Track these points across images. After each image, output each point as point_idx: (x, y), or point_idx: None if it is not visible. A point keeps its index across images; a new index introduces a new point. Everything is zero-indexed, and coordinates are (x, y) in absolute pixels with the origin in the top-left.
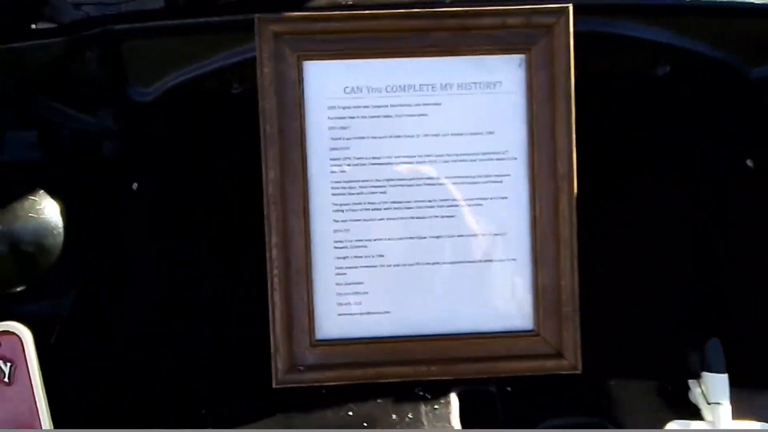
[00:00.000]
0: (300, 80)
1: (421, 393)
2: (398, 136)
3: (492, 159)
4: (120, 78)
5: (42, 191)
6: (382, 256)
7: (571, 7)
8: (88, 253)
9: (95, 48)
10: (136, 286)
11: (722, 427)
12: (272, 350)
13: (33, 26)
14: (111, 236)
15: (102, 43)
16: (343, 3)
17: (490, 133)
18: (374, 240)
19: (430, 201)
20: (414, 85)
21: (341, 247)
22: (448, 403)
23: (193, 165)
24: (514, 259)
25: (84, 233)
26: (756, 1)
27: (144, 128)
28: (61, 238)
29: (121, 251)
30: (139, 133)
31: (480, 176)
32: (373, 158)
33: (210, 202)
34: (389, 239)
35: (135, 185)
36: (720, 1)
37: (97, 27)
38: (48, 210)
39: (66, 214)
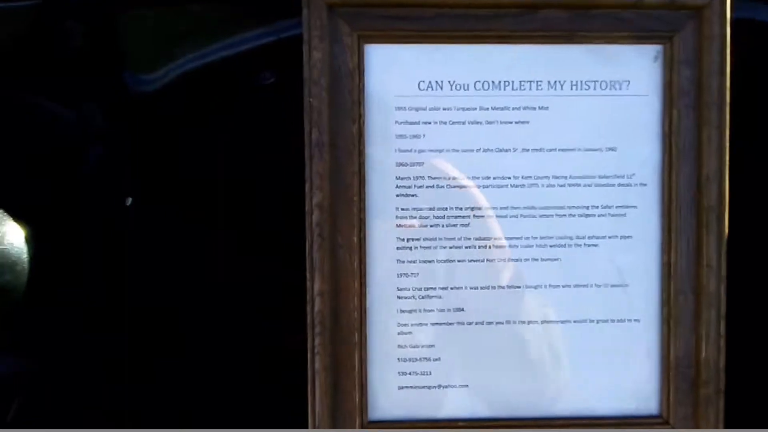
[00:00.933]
0: (360, 70)
1: None
2: (489, 150)
3: (613, 185)
4: (114, 59)
5: (1, 211)
6: (461, 310)
7: None
8: (62, 294)
9: (80, 16)
10: (128, 339)
11: None
12: None
13: None
14: (95, 270)
15: (90, 10)
16: None
17: (612, 149)
18: (451, 289)
19: (527, 239)
20: (512, 82)
21: (407, 297)
22: None
23: (209, 180)
24: (637, 320)
25: (57, 267)
26: None
27: (144, 128)
28: (25, 276)
29: (109, 291)
30: (138, 133)
31: (596, 207)
32: (454, 179)
33: (232, 231)
34: (471, 288)
35: (129, 201)
36: None
37: None
38: (9, 237)
39: (33, 242)
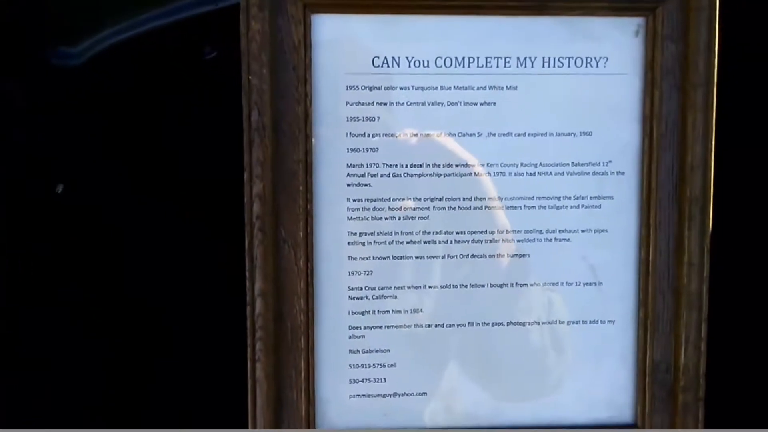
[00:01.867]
0: (306, 44)
1: None
2: (451, 135)
3: (588, 173)
4: (37, 31)
5: None
6: (419, 311)
7: None
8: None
9: None
10: (56, 339)
11: None
12: None
13: None
14: (22, 264)
15: None
16: None
17: (587, 134)
18: (408, 288)
19: (492, 233)
20: (478, 59)
21: (359, 298)
22: None
23: (141, 164)
24: (612, 322)
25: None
26: None
27: (70, 106)
28: None
29: (35, 286)
30: (64, 112)
31: (568, 198)
32: (412, 166)
33: (164, 221)
34: (430, 287)
35: (59, 188)
36: None
37: None
38: None
39: None
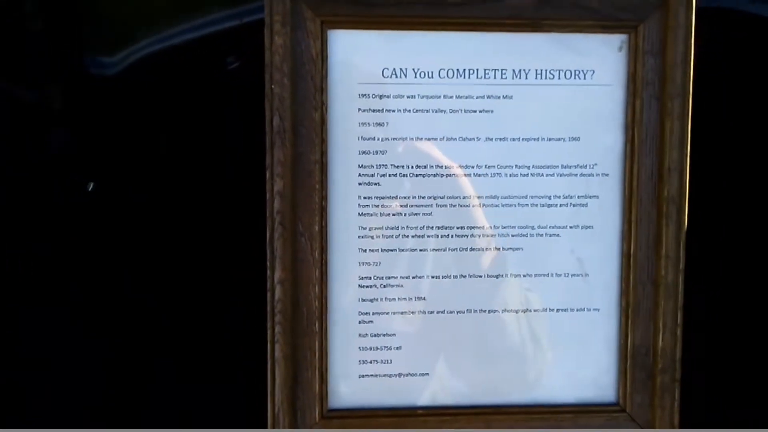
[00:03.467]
0: (323, 56)
1: None
2: (452, 139)
3: (575, 174)
4: (73, 42)
5: None
6: (422, 299)
7: None
8: (20, 281)
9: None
10: (86, 329)
11: None
12: (269, 422)
13: None
14: (55, 256)
15: None
16: None
17: (575, 139)
18: (412, 278)
19: (489, 228)
20: (477, 70)
21: (368, 286)
22: None
23: (170, 165)
24: (596, 309)
25: (16, 252)
26: None
27: (104, 111)
28: None
29: (68, 278)
30: (98, 117)
31: (558, 197)
32: (417, 167)
33: (191, 218)
34: (433, 277)
35: (90, 186)
36: None
37: None
38: None
39: None
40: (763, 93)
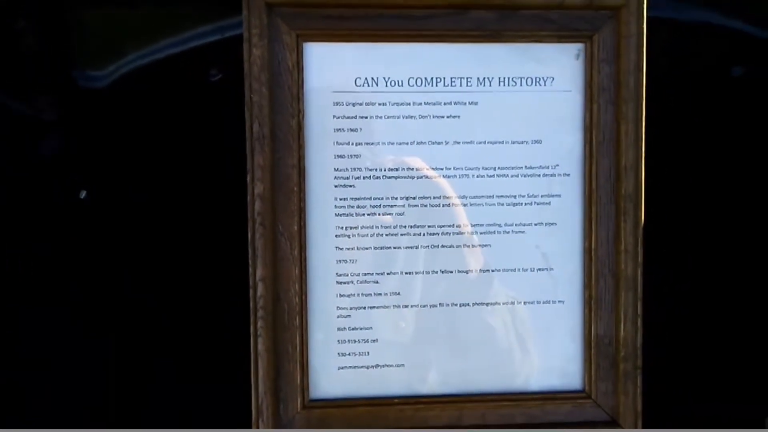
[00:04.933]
0: (299, 67)
1: None
2: (422, 143)
3: (538, 175)
4: (64, 56)
5: None
6: (397, 294)
7: None
8: (13, 285)
9: (31, 15)
10: (79, 328)
11: None
12: (254, 413)
13: None
14: (47, 260)
15: (41, 9)
16: None
17: (537, 142)
18: (388, 274)
19: (459, 226)
20: (444, 78)
21: (345, 283)
22: None
23: (157, 172)
24: (561, 302)
25: (13, 255)
26: None
27: (94, 122)
28: None
29: (60, 282)
30: (88, 128)
31: (522, 196)
32: (390, 170)
33: (178, 220)
34: (407, 273)
35: (83, 194)
36: None
37: None
38: None
39: None
40: (709, 95)
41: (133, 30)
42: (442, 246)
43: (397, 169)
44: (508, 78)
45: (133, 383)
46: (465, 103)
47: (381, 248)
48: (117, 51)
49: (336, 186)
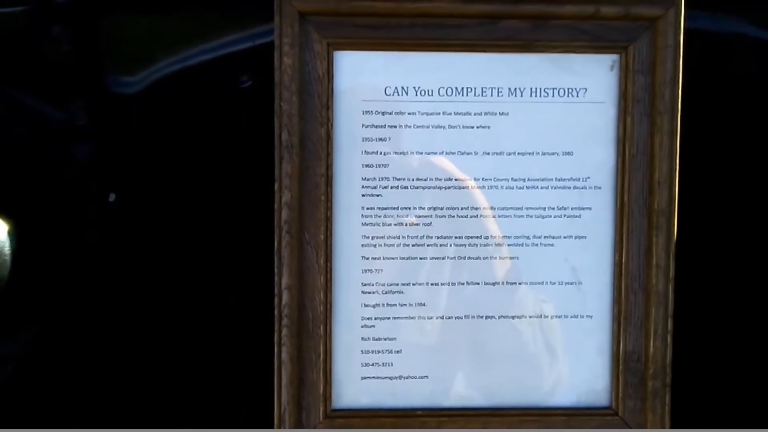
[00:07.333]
0: (329, 75)
1: None
2: (451, 153)
3: (569, 187)
4: (96, 62)
5: None
6: (422, 305)
7: None
8: (45, 285)
9: (65, 22)
10: (107, 328)
11: None
12: (276, 421)
13: None
14: (78, 263)
15: (74, 16)
16: None
17: (568, 153)
18: (413, 285)
19: (487, 238)
20: (475, 89)
21: (370, 292)
22: None
23: (186, 178)
24: (590, 317)
25: (42, 259)
26: None
27: (125, 128)
28: (7, 267)
29: (90, 282)
30: (119, 133)
31: (552, 208)
32: (418, 180)
33: (205, 226)
34: (432, 284)
35: (112, 196)
36: None
37: None
38: None
39: (17, 234)
40: (747, 108)
41: (164, 37)
42: (469, 257)
43: (425, 179)
44: (540, 88)
45: (155, 390)
46: (495, 114)
47: (407, 258)
48: (149, 57)
49: (363, 195)
